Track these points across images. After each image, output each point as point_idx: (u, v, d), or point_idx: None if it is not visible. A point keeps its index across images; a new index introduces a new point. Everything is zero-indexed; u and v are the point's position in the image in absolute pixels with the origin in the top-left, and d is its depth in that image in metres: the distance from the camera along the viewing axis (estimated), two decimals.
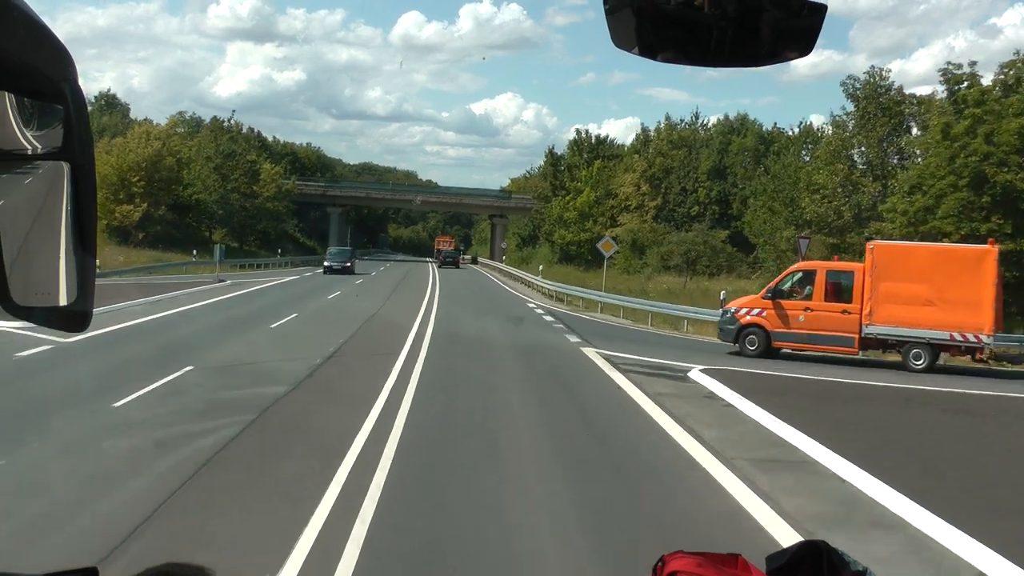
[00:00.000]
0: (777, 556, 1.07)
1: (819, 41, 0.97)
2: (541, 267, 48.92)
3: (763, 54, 0.98)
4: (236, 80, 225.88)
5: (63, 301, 0.87)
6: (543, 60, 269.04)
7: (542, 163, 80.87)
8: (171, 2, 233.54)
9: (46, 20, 0.79)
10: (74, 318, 0.88)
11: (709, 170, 57.81)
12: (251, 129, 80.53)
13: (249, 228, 64.08)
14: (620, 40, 0.98)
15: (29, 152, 0.88)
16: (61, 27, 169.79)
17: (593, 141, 70.00)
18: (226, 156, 62.02)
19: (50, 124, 0.87)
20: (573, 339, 20.94)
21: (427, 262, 77.40)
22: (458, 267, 71.33)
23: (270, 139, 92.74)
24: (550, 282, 39.86)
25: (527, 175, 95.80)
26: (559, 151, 72.12)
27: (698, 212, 56.12)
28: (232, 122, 72.60)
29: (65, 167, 0.87)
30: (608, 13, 0.96)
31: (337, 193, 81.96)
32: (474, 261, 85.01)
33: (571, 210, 61.28)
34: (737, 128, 62.75)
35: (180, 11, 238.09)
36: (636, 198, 59.16)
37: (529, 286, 44.22)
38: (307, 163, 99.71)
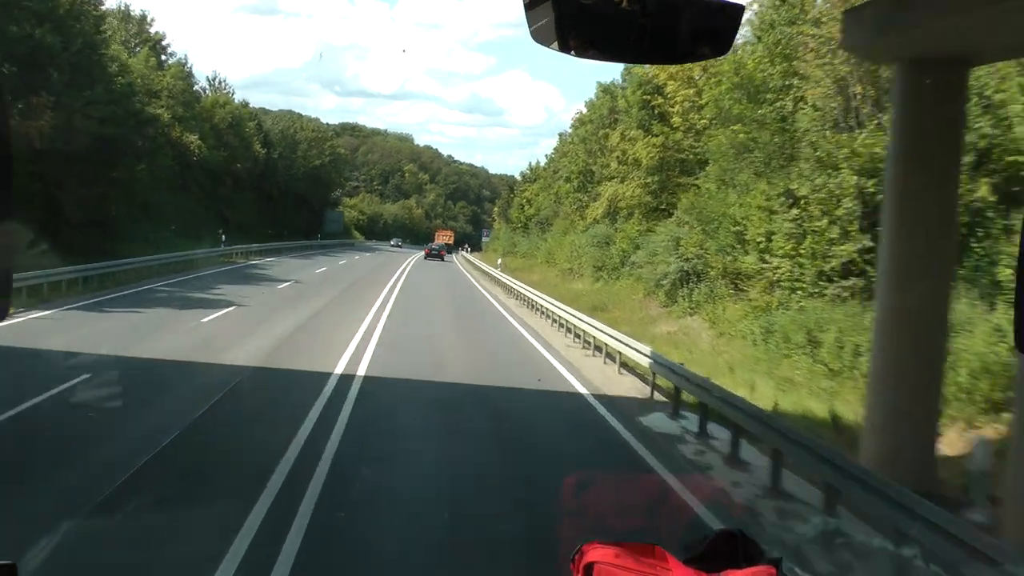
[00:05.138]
0: (694, 545, 1.11)
1: None
2: None
3: (681, 52, 0.98)
4: (238, 56, 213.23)
5: None
6: None
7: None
8: None
9: None
10: None
11: None
12: None
13: None
14: (539, 35, 0.96)
15: None
16: None
17: None
18: None
19: None
20: None
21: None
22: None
23: None
24: None
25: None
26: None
27: None
28: None
29: None
30: (527, 7, 0.94)
31: None
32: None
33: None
34: None
35: None
36: None
37: None
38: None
